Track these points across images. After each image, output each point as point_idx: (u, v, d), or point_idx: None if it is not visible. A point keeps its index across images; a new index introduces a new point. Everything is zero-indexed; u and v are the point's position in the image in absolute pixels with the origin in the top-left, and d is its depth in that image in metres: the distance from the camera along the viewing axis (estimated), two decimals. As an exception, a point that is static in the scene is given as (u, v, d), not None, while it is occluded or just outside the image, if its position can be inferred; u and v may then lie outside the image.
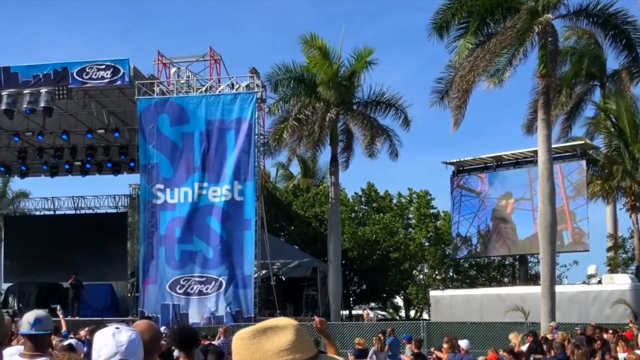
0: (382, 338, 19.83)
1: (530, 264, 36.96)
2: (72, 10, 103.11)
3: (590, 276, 31.69)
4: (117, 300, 32.78)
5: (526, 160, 32.50)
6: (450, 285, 39.06)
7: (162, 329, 16.78)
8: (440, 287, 37.88)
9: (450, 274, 42.72)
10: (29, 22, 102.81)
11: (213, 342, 17.56)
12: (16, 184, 43.51)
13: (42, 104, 26.72)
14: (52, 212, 38.38)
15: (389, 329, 22.10)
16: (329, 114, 30.10)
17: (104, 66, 26.75)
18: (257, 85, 27.55)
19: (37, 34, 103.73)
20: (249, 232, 26.27)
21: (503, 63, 22.93)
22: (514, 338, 17.94)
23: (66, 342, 8.54)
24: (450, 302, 32.09)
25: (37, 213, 39.01)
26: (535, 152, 26.74)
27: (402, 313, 49.30)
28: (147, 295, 26.59)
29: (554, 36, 23.88)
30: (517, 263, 37.36)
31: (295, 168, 47.48)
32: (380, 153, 31.67)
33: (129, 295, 30.79)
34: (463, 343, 16.25)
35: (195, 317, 25.77)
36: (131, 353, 3.30)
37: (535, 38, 23.07)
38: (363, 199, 45.85)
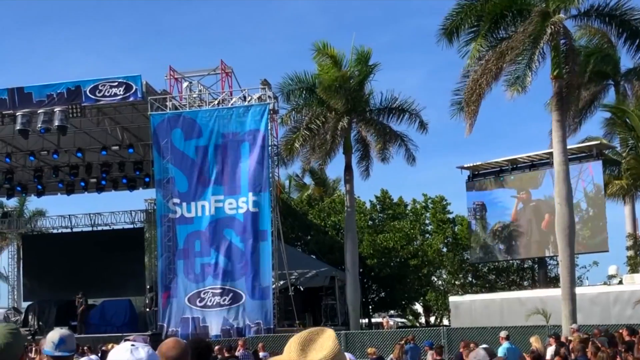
0: (404, 345, 19.75)
1: (549, 266, 36.70)
2: (84, 29, 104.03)
3: (611, 277, 31.41)
4: (136, 315, 32.81)
5: (542, 162, 32.32)
6: (469, 291, 38.84)
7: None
8: (459, 293, 37.68)
9: (470, 279, 42.49)
10: (42, 43, 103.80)
11: (235, 355, 17.55)
12: (33, 203, 43.79)
13: (56, 123, 26.88)
14: (69, 230, 38.57)
15: (409, 336, 22.00)
16: (340, 122, 30.07)
17: (116, 83, 26.88)
18: (269, 96, 27.59)
19: (50, 53, 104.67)
20: (265, 243, 26.28)
21: (522, 69, 22.75)
22: (535, 342, 17.78)
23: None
24: (470, 307, 31.89)
25: (55, 231, 39.23)
26: (551, 153, 26.56)
27: (422, 320, 49.06)
28: (166, 310, 26.62)
29: (568, 37, 23.75)
30: (536, 266, 37.12)
31: (309, 178, 47.51)
32: (394, 159, 31.61)
33: (148, 310, 30.83)
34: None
35: (215, 329, 25.77)
36: None
37: (547, 40, 22.92)
38: (378, 207, 45.72)
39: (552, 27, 22.46)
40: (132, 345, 3.33)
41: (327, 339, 2.51)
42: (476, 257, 36.05)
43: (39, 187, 36.32)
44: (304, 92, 30.84)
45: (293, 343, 2.51)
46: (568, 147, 25.68)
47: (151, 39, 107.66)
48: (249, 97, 27.78)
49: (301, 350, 2.49)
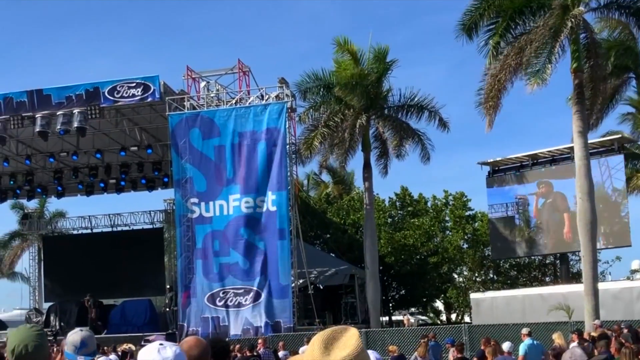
0: (427, 343, 19.62)
1: (571, 262, 36.38)
2: (102, 31, 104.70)
3: (634, 271, 31.05)
4: (157, 315, 32.91)
5: (562, 157, 32.03)
6: (490, 287, 38.59)
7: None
8: (480, 290, 37.44)
9: (491, 275, 42.23)
10: (61, 45, 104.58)
11: (255, 354, 17.54)
12: (53, 204, 44.05)
13: (75, 125, 26.99)
14: (89, 231, 38.78)
15: (430, 334, 21.86)
16: (359, 120, 29.96)
17: (134, 84, 26.93)
18: (287, 94, 27.52)
19: (69, 56, 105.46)
20: (284, 241, 26.22)
21: (542, 62, 22.52)
22: (557, 338, 17.57)
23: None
24: (492, 304, 31.67)
25: (75, 232, 39.47)
26: (572, 148, 26.30)
27: (443, 317, 48.83)
28: (186, 309, 26.66)
29: (588, 30, 23.48)
30: (558, 262, 36.79)
31: (327, 176, 47.42)
32: (410, 155, 31.47)
33: (168, 309, 30.93)
34: (505, 345, 15.94)
35: (234, 329, 25.77)
36: None
37: (567, 33, 22.68)
38: (398, 204, 45.52)
39: (572, 20, 22.22)
40: (161, 344, 3.33)
41: (351, 337, 2.50)
42: (523, 252, 35.31)
43: (59, 188, 36.57)
44: (322, 89, 30.74)
45: (316, 341, 2.50)
46: (589, 141, 25.42)
47: (168, 39, 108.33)
48: (267, 96, 27.72)
49: (324, 348, 2.48)
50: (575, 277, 33.52)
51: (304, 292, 28.83)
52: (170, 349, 3.30)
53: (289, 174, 27.12)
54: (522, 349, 16.40)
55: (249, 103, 27.78)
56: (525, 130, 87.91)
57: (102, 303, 35.65)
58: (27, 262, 42.31)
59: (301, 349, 19.98)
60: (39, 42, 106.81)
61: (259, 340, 20.55)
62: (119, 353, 15.15)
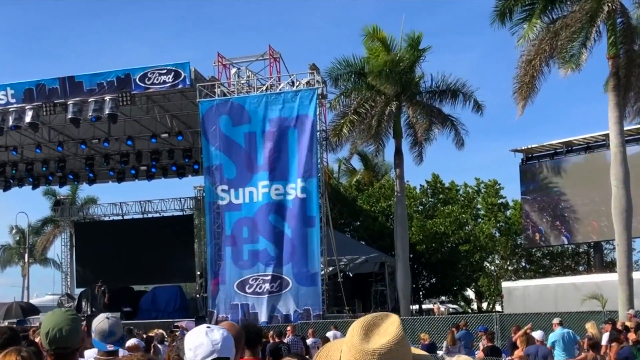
0: (455, 331, 19.48)
1: (605, 251, 35.84)
2: (134, 17, 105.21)
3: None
4: (187, 301, 33.09)
5: (597, 145, 31.50)
6: (522, 276, 38.22)
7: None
8: (512, 278, 37.08)
9: (523, 264, 41.81)
10: (93, 32, 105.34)
11: (284, 341, 17.49)
12: (84, 190, 44.49)
13: (106, 111, 27.09)
14: (120, 217, 39.07)
15: (461, 322, 21.69)
16: (389, 107, 29.68)
17: (165, 70, 26.93)
18: (318, 81, 27.34)
19: (101, 42, 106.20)
20: (313, 229, 26.10)
21: (577, 47, 22.10)
22: (591, 327, 17.37)
23: (130, 342, 8.52)
24: (524, 292, 31.36)
25: (106, 218, 39.74)
26: (607, 135, 25.83)
27: (474, 306, 48.52)
28: (216, 296, 26.71)
29: (625, 15, 22.99)
30: (591, 250, 36.29)
31: (357, 163, 47.22)
32: (441, 143, 31.22)
33: (198, 296, 31.05)
34: (537, 334, 15.74)
35: (264, 316, 25.77)
36: (227, 350, 3.32)
37: (604, 18, 22.22)
38: (429, 191, 45.19)
39: (609, 4, 21.76)
40: (208, 327, 3.37)
41: (392, 324, 2.44)
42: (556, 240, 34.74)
43: (91, 175, 36.87)
44: (353, 76, 30.52)
45: (356, 327, 2.45)
46: (625, 128, 24.95)
47: (199, 26, 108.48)
48: (297, 82, 27.57)
49: (364, 334, 2.42)
50: (609, 266, 33.05)
51: (333, 280, 28.75)
52: (218, 331, 3.34)
53: (319, 161, 26.97)
54: (551, 338, 16.18)
55: (280, 89, 27.66)
56: (559, 117, 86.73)
57: (132, 289, 36.03)
58: (59, 248, 42.87)
59: (328, 334, 19.91)
60: (71, 29, 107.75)
61: (288, 328, 20.53)
62: (143, 336, 15.16)
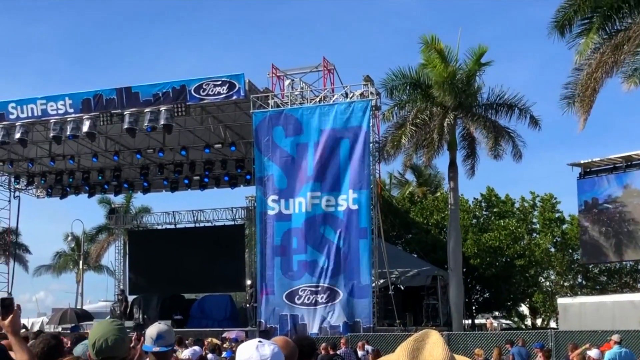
0: (499, 349, 19.09)
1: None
2: (188, 27, 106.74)
3: None
4: (237, 311, 33.18)
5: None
6: (579, 292, 37.35)
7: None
8: (568, 295, 36.25)
9: (579, 280, 40.87)
10: (150, 42, 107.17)
11: (338, 353, 17.38)
12: (138, 199, 45.08)
13: (162, 122, 27.37)
14: (172, 226, 39.40)
15: (517, 339, 21.24)
16: (447, 118, 29.38)
17: (219, 82, 27.11)
18: (372, 92, 27.21)
19: (157, 52, 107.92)
20: (365, 241, 25.89)
21: (640, 61, 21.58)
22: (651, 347, 16.78)
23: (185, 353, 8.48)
24: (580, 310, 30.59)
25: (159, 227, 40.14)
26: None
27: (528, 322, 47.61)
28: (265, 306, 26.67)
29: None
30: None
31: (410, 175, 46.86)
32: (503, 156, 30.63)
33: (248, 305, 31.07)
34: (593, 353, 15.28)
35: (313, 327, 25.62)
36: None
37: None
38: (483, 204, 44.58)
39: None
40: (259, 341, 3.41)
41: (435, 345, 2.33)
42: (615, 257, 33.88)
43: (145, 184, 37.33)
44: (408, 87, 30.33)
45: (401, 355, 2.35)
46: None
47: (254, 36, 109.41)
48: (351, 94, 27.48)
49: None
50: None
51: (384, 293, 28.47)
52: (269, 347, 3.37)
53: (371, 172, 26.81)
54: (607, 357, 15.68)
55: (333, 101, 27.60)
56: (617, 130, 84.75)
57: (183, 297, 36.31)
58: (112, 255, 43.46)
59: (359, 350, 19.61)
60: (127, 40, 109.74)
61: (342, 340, 20.41)
62: (208, 346, 15.25)
